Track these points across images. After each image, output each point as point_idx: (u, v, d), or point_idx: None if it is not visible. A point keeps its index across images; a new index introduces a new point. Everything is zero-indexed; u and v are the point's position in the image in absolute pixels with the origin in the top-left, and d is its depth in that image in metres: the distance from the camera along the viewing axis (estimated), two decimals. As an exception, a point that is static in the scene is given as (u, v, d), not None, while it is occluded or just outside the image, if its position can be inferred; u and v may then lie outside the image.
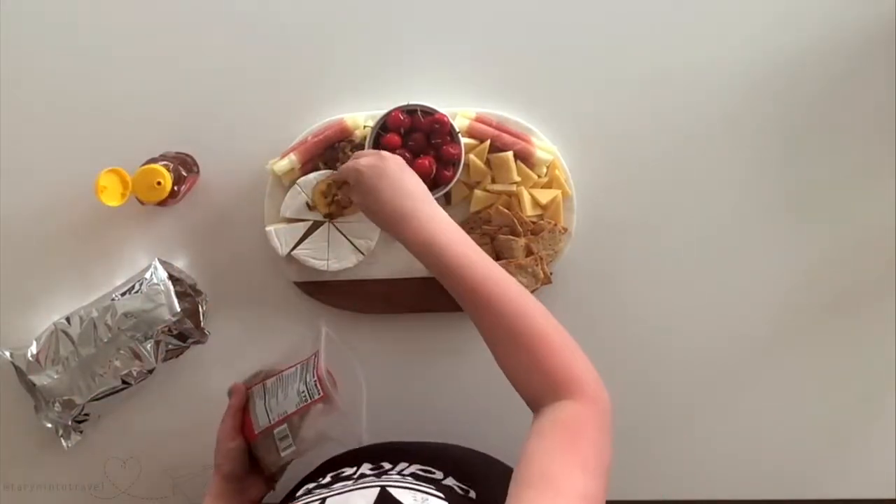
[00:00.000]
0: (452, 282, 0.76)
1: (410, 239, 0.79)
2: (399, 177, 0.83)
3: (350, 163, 0.86)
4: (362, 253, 0.97)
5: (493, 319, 0.74)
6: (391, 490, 0.70)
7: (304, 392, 0.86)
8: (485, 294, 0.74)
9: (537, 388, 0.73)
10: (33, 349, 0.96)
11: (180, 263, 1.01)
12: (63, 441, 0.98)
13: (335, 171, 0.96)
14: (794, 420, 1.03)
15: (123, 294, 0.95)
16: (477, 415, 1.03)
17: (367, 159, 0.85)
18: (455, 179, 0.94)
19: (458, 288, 0.76)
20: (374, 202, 0.82)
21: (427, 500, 0.69)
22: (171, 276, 0.96)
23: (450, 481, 0.78)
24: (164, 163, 0.91)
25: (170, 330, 0.95)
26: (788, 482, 1.05)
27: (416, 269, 1.00)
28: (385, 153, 0.86)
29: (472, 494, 0.76)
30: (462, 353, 1.02)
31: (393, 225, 0.81)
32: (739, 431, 1.04)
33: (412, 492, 0.70)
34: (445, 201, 0.99)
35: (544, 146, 0.97)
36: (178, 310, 0.94)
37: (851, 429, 1.03)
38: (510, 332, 0.73)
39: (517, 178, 0.96)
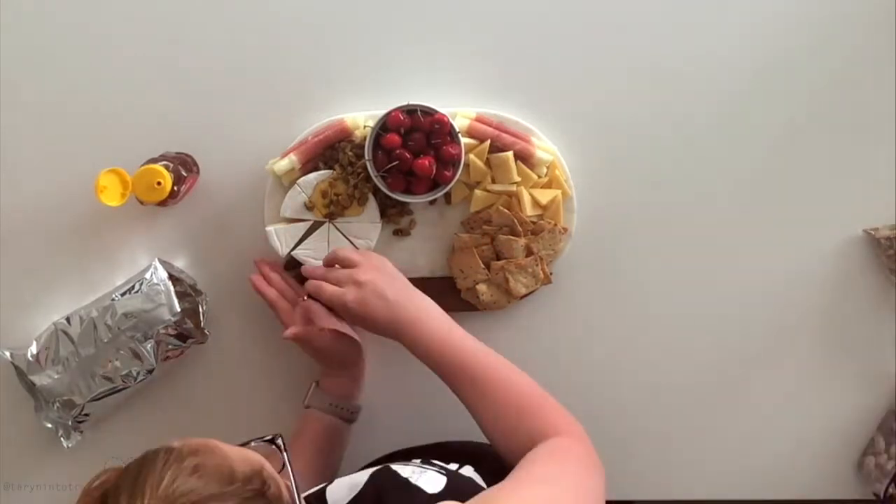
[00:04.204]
0: (456, 379, 0.84)
1: (410, 346, 0.86)
2: (383, 294, 0.87)
3: (337, 295, 0.89)
4: (362, 253, 0.97)
5: (499, 403, 0.82)
6: (393, 466, 0.75)
7: None
8: (482, 380, 0.83)
9: (526, 441, 0.78)
10: (33, 349, 0.96)
11: (180, 263, 1.01)
12: (63, 441, 0.98)
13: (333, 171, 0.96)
14: (794, 420, 1.03)
15: (123, 294, 0.95)
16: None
17: (351, 293, 0.88)
18: (455, 179, 0.94)
19: (461, 384, 0.84)
20: (370, 326, 0.89)
21: (425, 472, 0.74)
22: (171, 276, 0.96)
23: (467, 470, 0.81)
24: (164, 163, 0.91)
25: (170, 330, 0.95)
26: (788, 482, 1.05)
27: (416, 269, 1.00)
28: (362, 271, 0.89)
29: (483, 484, 0.78)
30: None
31: (393, 336, 0.88)
32: (739, 431, 1.04)
33: (412, 467, 0.75)
34: (445, 201, 0.99)
35: (544, 146, 0.97)
36: (178, 310, 0.94)
37: (852, 429, 1.04)
38: (516, 411, 0.82)
39: (517, 178, 0.96)
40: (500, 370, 0.84)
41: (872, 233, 0.99)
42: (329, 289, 0.90)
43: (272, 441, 0.68)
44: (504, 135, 0.96)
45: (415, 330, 0.86)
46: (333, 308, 0.91)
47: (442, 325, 0.86)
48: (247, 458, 0.63)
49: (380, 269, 0.90)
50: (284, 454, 0.67)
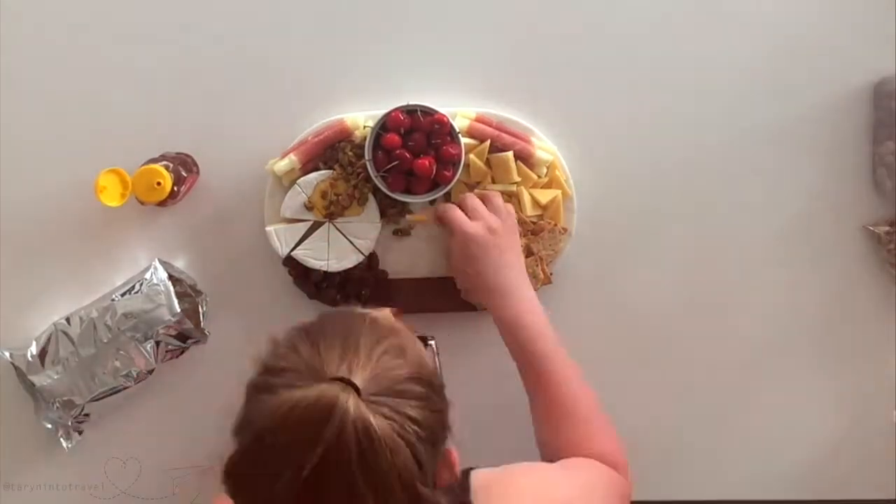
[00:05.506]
0: (525, 360, 0.88)
1: (498, 313, 0.89)
2: (506, 252, 0.90)
3: (464, 221, 0.90)
4: (362, 253, 0.97)
5: (552, 398, 0.86)
6: None
7: None
8: (553, 379, 0.86)
9: (563, 442, 0.85)
10: (33, 349, 0.96)
11: (180, 263, 1.01)
12: (63, 441, 0.98)
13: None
14: (795, 420, 1.03)
15: (123, 294, 0.95)
16: (477, 413, 1.02)
17: (479, 228, 0.90)
18: (455, 179, 0.94)
19: (528, 367, 0.88)
20: (473, 270, 0.90)
21: None
22: (171, 277, 0.96)
23: None
24: (164, 163, 0.91)
25: (170, 330, 0.95)
26: (789, 482, 1.04)
27: (416, 269, 1.00)
28: (497, 223, 0.91)
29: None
30: (461, 353, 1.01)
31: (483, 294, 0.91)
32: (739, 431, 1.04)
33: None
34: (445, 201, 0.99)
35: (544, 146, 0.97)
36: (178, 310, 0.94)
37: (854, 429, 1.03)
38: (565, 411, 0.86)
39: (517, 178, 0.96)
40: (570, 374, 0.87)
41: (873, 228, 0.99)
42: (459, 213, 0.92)
43: (425, 341, 0.73)
44: (504, 135, 0.96)
45: (510, 301, 0.89)
46: (453, 230, 0.91)
47: (535, 308, 0.89)
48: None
49: (514, 234, 0.92)
50: (437, 358, 0.77)
